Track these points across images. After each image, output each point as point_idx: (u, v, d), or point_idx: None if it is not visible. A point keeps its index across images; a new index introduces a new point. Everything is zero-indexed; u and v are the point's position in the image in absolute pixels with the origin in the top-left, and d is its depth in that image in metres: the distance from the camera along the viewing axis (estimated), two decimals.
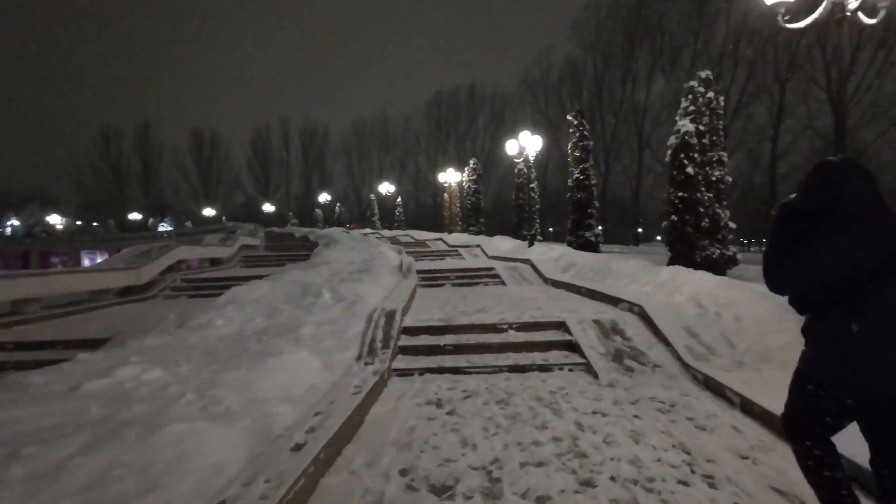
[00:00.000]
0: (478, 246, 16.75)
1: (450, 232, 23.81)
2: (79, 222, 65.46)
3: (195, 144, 59.60)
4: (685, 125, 8.08)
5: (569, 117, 14.30)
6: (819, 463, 1.62)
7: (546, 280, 9.57)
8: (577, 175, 13.99)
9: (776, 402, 2.47)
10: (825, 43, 25.76)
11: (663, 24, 35.88)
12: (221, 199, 61.72)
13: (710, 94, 8.24)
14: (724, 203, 8.47)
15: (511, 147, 14.11)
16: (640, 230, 36.40)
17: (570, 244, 14.22)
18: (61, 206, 64.53)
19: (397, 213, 36.20)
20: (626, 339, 4.91)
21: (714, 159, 8.18)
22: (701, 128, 8.12)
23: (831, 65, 25.67)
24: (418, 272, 10.71)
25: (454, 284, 10.01)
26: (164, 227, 54.58)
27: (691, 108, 8.21)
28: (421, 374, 4.45)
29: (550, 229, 42.69)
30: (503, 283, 9.92)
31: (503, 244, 16.30)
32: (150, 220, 58.43)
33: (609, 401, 3.68)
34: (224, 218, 48.36)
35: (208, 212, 52.97)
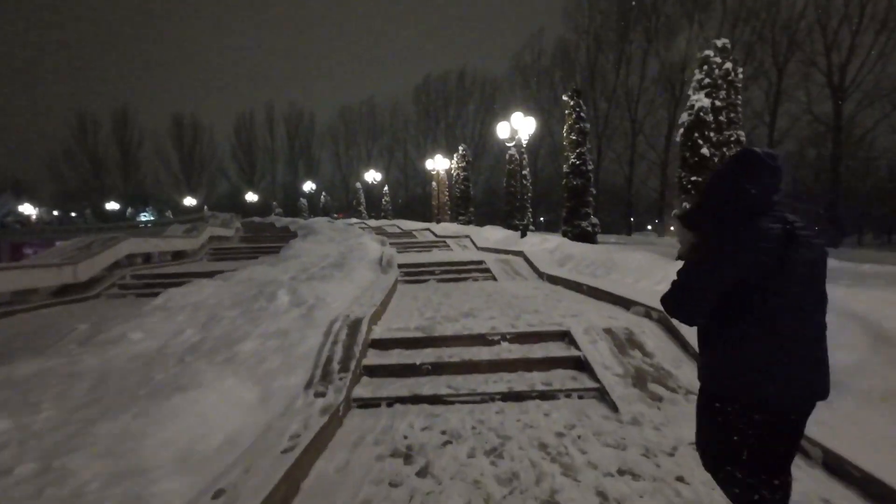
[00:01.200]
0: (467, 236, 15.76)
1: (438, 222, 22.77)
2: (55, 212, 63.37)
3: (176, 131, 57.52)
4: (699, 100, 7.11)
5: (564, 97, 13.25)
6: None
7: (541, 275, 8.62)
8: (573, 160, 12.97)
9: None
10: (826, 24, 24.95)
11: (658, 5, 34.76)
12: (205, 187, 59.93)
13: (728, 65, 7.27)
14: None
15: (502, 130, 13.06)
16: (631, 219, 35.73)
17: (565, 234, 13.27)
18: (38, 195, 62.26)
19: (384, 203, 34.98)
20: (646, 354, 3.96)
21: (731, 138, 7.24)
22: (717, 103, 7.17)
23: (832, 48, 24.94)
24: (401, 266, 9.70)
25: (440, 280, 9.01)
26: (145, 217, 52.85)
27: (706, 80, 7.23)
28: (389, 406, 3.46)
29: (542, 219, 41.85)
30: (494, 279, 8.96)
31: (493, 234, 15.32)
32: (129, 210, 56.40)
33: (637, 449, 2.74)
34: (206, 207, 46.65)
35: (189, 201, 51.24)
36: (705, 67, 7.25)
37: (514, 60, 46.48)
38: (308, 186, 42.27)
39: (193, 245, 12.37)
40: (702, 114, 7.08)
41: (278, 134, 58.64)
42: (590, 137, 13.38)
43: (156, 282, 8.67)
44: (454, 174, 23.74)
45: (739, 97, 7.39)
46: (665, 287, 1.62)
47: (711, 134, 7.05)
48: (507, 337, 4.40)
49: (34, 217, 58.39)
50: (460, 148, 23.93)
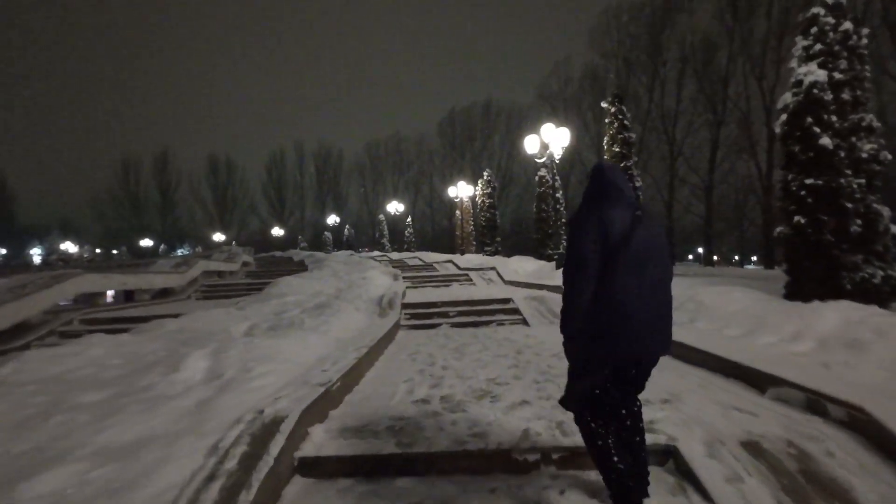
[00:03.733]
0: (492, 269, 13.73)
1: (462, 253, 20.87)
2: (98, 250, 65.89)
3: (211, 170, 59.27)
4: (811, 72, 5.06)
5: (604, 104, 11.37)
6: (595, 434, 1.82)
7: None
8: None
9: None
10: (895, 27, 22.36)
11: (692, 23, 32.99)
12: (236, 224, 60.98)
13: (847, 26, 5.24)
14: (879, 195, 5.29)
15: (531, 144, 11.24)
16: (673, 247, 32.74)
17: None
18: (84, 235, 65.19)
19: (407, 235, 33.50)
20: None
21: (862, 124, 5.10)
22: (838, 76, 5.10)
23: None
24: (409, 306, 7.80)
25: (454, 324, 6.99)
26: (181, 252, 53.96)
27: (818, 47, 5.19)
28: None
29: None
30: (525, 323, 6.86)
31: (523, 266, 13.23)
32: (162, 247, 57.61)
33: None
34: (234, 243, 47.00)
35: (219, 237, 51.81)
36: (813, 30, 5.24)
37: (539, 89, 45.41)
38: (332, 219, 41.55)
39: (179, 281, 10.92)
40: (816, 91, 5.02)
41: (307, 171, 59.43)
42: (651, 138, 11.29)
43: (110, 327, 7.06)
44: (479, 202, 21.97)
45: (867, 69, 5.28)
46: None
47: (833, 118, 4.95)
48: (554, 457, 2.32)
49: (84, 255, 60.98)
50: (485, 174, 22.26)
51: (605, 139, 11.20)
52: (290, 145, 66.43)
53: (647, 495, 1.86)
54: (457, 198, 21.61)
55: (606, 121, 11.19)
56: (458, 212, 22.73)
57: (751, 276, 12.09)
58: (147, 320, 6.59)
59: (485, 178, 22.03)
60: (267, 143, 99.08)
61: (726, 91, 31.22)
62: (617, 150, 10.90)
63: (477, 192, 22.33)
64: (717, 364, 3.51)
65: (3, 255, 57.63)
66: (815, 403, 2.55)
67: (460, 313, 7.46)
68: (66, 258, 59.79)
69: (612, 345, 1.71)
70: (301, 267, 17.36)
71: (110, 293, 11.07)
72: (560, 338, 1.94)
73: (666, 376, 3.50)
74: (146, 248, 55.50)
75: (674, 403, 2.86)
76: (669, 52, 35.16)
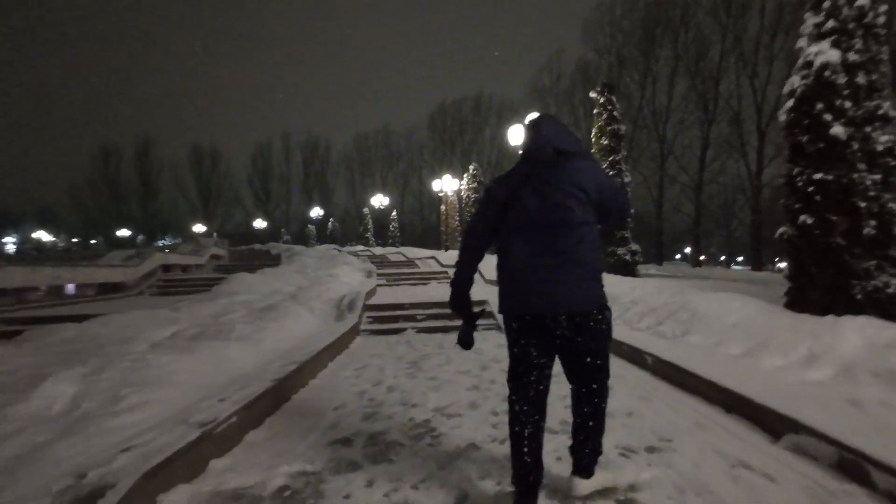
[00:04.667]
0: None
1: (446, 249, 20.17)
2: (75, 240, 63.94)
3: (195, 160, 57.72)
4: (823, 51, 4.43)
5: (592, 94, 10.68)
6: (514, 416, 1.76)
7: None
8: (605, 170, 10.26)
9: None
10: None
11: (686, 19, 32.50)
12: (220, 215, 59.56)
13: (863, 2, 4.62)
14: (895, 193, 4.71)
15: (515, 135, 10.55)
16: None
17: None
18: (62, 224, 63.26)
19: (392, 229, 32.68)
20: None
21: (878, 112, 4.48)
22: (852, 57, 4.48)
23: None
24: (376, 307, 7.11)
25: (420, 330, 6.29)
26: (163, 243, 52.56)
27: (830, 23, 4.57)
28: None
29: None
30: (499, 329, 6.19)
31: None
32: (140, 237, 56.00)
33: None
34: (215, 234, 45.78)
35: (199, 228, 50.40)
36: (826, 4, 4.61)
37: (532, 84, 44.68)
38: (315, 212, 40.50)
39: (130, 276, 10.02)
40: (828, 73, 4.39)
41: (294, 162, 58.18)
42: (626, 144, 10.67)
43: (13, 328, 6.16)
44: (464, 196, 21.25)
45: (884, 50, 4.67)
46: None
47: (846, 104, 4.33)
48: None
49: (59, 244, 59.08)
50: (471, 167, 21.51)
51: (594, 131, 10.54)
52: (278, 136, 64.93)
53: (591, 473, 1.84)
54: (441, 192, 20.85)
55: (595, 111, 10.53)
56: (442, 206, 21.98)
57: (742, 278, 11.59)
58: (70, 320, 5.77)
59: (471, 171, 21.30)
60: (253, 134, 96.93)
61: (718, 89, 30.89)
62: (605, 142, 10.24)
63: (462, 187, 21.61)
64: (717, 395, 2.85)
65: None
66: (853, 465, 1.90)
67: (429, 317, 6.77)
68: (41, 247, 58.00)
69: (504, 303, 1.78)
70: (276, 261, 16.54)
71: (71, 287, 10.19)
72: None
73: (655, 407, 2.85)
74: (124, 239, 53.89)
75: (664, 454, 2.19)
76: (662, 48, 34.73)
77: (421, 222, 52.64)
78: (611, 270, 9.70)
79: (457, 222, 22.13)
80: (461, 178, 22.70)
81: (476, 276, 11.04)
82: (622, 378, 3.61)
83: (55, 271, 8.38)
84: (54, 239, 61.74)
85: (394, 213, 34.43)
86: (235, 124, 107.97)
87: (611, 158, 10.12)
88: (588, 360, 1.74)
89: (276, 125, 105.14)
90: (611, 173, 10.02)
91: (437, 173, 49.42)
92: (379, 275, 11.86)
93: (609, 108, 10.33)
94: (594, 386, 1.79)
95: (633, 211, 11.13)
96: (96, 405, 2.45)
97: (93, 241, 61.46)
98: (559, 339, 1.67)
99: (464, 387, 3.51)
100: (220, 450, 2.26)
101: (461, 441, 2.43)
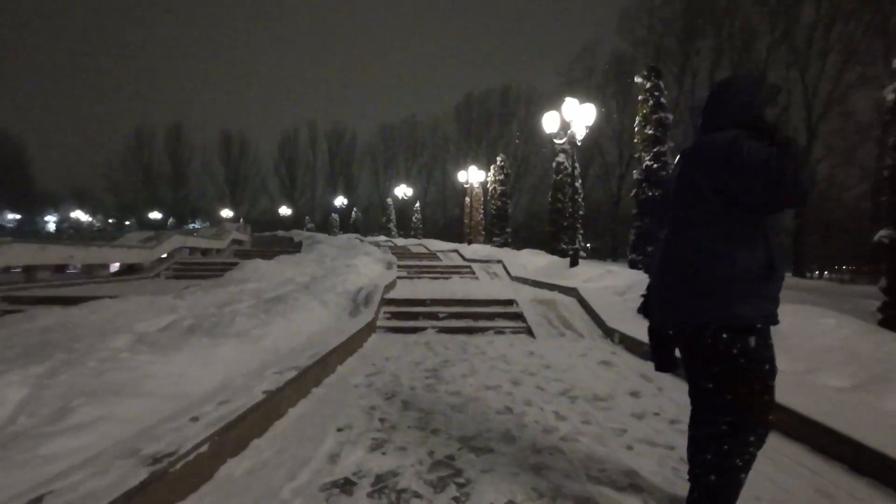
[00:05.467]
0: (499, 262, 12.40)
1: (469, 242, 19.55)
2: (111, 220, 66.21)
3: (224, 146, 58.66)
4: None
5: (638, 79, 9.77)
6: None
7: (610, 333, 5.15)
8: (648, 162, 9.35)
9: None
10: None
11: (732, 8, 30.63)
12: (247, 201, 60.52)
13: None
14: None
15: (550, 122, 9.78)
16: None
17: (633, 265, 9.58)
18: (97, 205, 65.46)
19: (415, 220, 32.20)
20: None
21: None
22: None
23: None
24: (393, 302, 6.57)
25: (442, 329, 5.70)
26: (194, 226, 53.83)
27: None
28: None
29: (588, 245, 37.72)
30: (529, 332, 5.56)
31: (533, 260, 11.89)
32: (171, 220, 57.38)
33: None
34: (242, 220, 46.53)
35: (226, 213, 51.26)
36: None
37: (562, 76, 43.26)
38: (339, 201, 40.40)
39: (146, 257, 9.79)
40: None
41: (320, 151, 58.42)
42: (678, 131, 9.75)
43: (15, 308, 5.90)
44: (490, 188, 20.52)
45: None
46: None
47: None
48: None
49: (96, 225, 61.40)
50: (498, 159, 20.74)
51: (637, 120, 9.64)
52: (305, 124, 65.27)
53: None
54: (467, 183, 20.17)
55: (640, 98, 9.62)
56: (467, 198, 21.31)
57: (792, 286, 10.55)
58: (76, 301, 5.43)
59: (497, 163, 20.53)
60: (281, 121, 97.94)
61: None
62: (650, 132, 9.35)
63: (488, 179, 20.87)
64: (834, 445, 2.15)
65: (18, 221, 57.95)
66: None
67: (452, 315, 6.18)
68: (78, 227, 60.41)
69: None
70: (298, 248, 16.32)
71: (77, 267, 10.06)
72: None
73: (759, 465, 2.16)
74: (155, 221, 55.31)
75: None
76: (704, 40, 32.89)
77: (443, 215, 52.06)
78: (649, 271, 8.90)
79: (481, 215, 21.45)
80: (487, 171, 21.99)
81: (500, 269, 10.35)
82: (689, 407, 2.94)
83: (66, 250, 8.15)
84: (91, 219, 64.02)
85: (416, 204, 33.94)
86: (263, 112, 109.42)
87: (655, 150, 9.24)
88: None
89: (304, 114, 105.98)
90: (654, 165, 9.14)
91: (461, 166, 48.73)
92: (399, 267, 11.35)
93: (656, 94, 9.41)
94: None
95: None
96: (37, 420, 1.95)
97: (126, 223, 63.51)
98: (688, 361, 1.60)
99: (493, 408, 2.90)
100: (178, 493, 1.73)
101: (497, 495, 1.83)
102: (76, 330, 3.30)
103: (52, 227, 60.96)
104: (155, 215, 55.45)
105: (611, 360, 4.21)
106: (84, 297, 6.28)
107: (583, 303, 6.44)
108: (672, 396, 3.18)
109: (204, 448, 1.88)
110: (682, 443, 2.37)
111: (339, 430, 2.52)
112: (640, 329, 4.89)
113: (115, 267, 10.06)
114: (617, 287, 6.65)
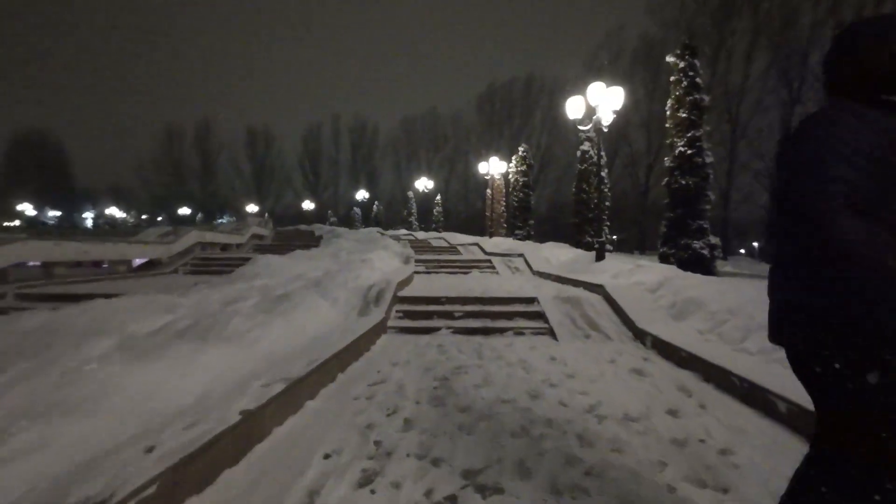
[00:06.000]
0: (520, 256, 11.92)
1: (491, 235, 19.06)
2: (144, 216, 68.50)
3: (250, 142, 59.77)
4: None
5: (670, 58, 9.01)
6: None
7: (641, 336, 4.67)
8: (681, 148, 8.64)
9: None
10: None
11: None
12: (273, 196, 61.60)
13: None
14: None
15: (574, 108, 9.20)
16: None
17: (664, 259, 8.94)
18: (132, 201, 67.69)
19: (435, 214, 31.86)
20: None
21: None
22: None
23: None
24: (407, 300, 6.25)
25: (457, 330, 5.33)
26: (221, 221, 55.13)
27: None
28: None
29: (614, 237, 36.60)
30: (551, 335, 5.12)
31: (557, 254, 11.37)
32: (199, 215, 58.85)
33: None
34: (266, 214, 47.28)
35: (252, 208, 52.23)
36: None
37: (587, 63, 41.89)
38: (361, 195, 40.45)
39: (163, 253, 9.78)
40: None
41: (343, 145, 58.80)
42: (710, 118, 9.03)
43: (30, 305, 5.86)
44: (512, 180, 19.93)
45: None
46: None
47: None
48: None
49: (130, 220, 63.78)
50: (520, 149, 20.11)
51: (669, 103, 8.93)
52: (328, 118, 65.72)
53: None
54: (488, 175, 19.65)
55: (672, 79, 8.91)
56: (488, 190, 20.80)
57: None
58: (87, 298, 5.31)
59: (520, 153, 19.90)
60: (305, 115, 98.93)
61: (806, 65, 27.31)
62: (684, 115, 8.63)
63: (510, 170, 20.28)
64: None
65: (59, 218, 60.58)
66: None
67: (469, 314, 5.79)
68: (113, 222, 62.81)
69: None
70: (318, 242, 16.26)
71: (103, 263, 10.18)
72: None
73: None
74: (185, 216, 56.85)
75: None
76: (741, 19, 31.10)
77: (465, 208, 51.61)
78: (681, 266, 8.27)
79: (503, 207, 20.89)
80: (509, 162, 21.39)
81: (521, 263, 9.89)
82: (741, 431, 2.48)
83: (83, 246, 8.16)
84: (125, 215, 66.44)
85: (438, 197, 33.59)
86: (287, 107, 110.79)
87: (689, 135, 8.53)
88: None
89: (327, 108, 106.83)
90: (688, 151, 8.44)
91: (483, 157, 48.04)
92: (418, 261, 11.05)
93: (690, 73, 8.66)
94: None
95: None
96: None
97: (159, 219, 65.64)
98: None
99: (508, 429, 2.51)
100: None
101: None
102: (55, 334, 3.08)
103: (89, 223, 63.56)
104: (184, 210, 56.95)
105: (643, 368, 3.75)
106: (95, 294, 6.20)
107: (610, 301, 5.94)
108: (717, 415, 2.72)
109: (151, 490, 1.56)
110: (738, 482, 1.93)
111: (327, 456, 2.18)
112: (674, 332, 4.39)
113: (137, 262, 10.17)
114: (648, 283, 6.12)
